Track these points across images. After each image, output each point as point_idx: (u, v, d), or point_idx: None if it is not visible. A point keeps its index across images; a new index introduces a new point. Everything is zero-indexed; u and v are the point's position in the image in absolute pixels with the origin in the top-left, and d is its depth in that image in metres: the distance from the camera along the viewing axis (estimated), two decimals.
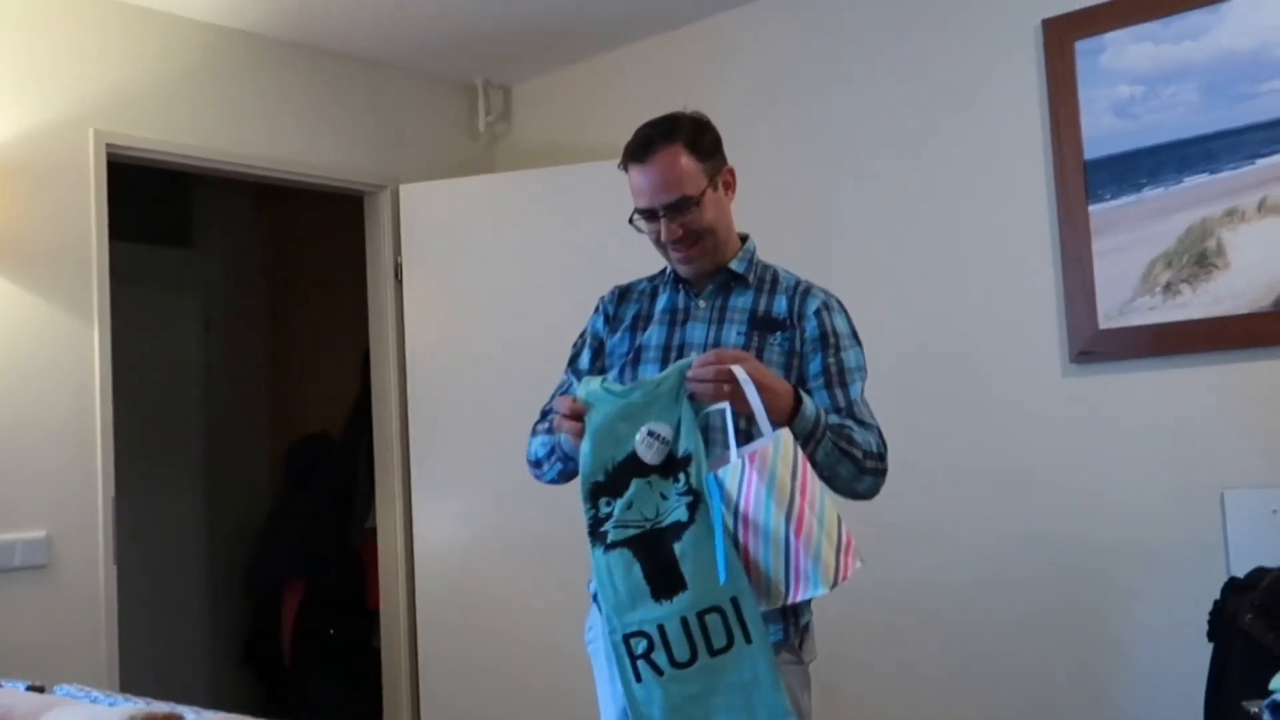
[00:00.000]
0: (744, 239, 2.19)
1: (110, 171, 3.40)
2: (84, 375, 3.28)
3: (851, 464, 1.97)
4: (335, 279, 4.91)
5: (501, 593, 3.82)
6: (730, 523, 1.78)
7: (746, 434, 1.89)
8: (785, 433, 1.80)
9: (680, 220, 2.03)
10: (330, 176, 3.97)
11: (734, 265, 2.13)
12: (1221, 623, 2.45)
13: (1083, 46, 3.04)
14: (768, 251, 2.23)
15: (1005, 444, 3.15)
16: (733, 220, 2.16)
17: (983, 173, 3.23)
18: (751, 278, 2.14)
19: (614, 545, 1.82)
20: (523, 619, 3.77)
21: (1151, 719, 2.86)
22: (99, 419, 3.29)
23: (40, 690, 2.17)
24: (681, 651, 1.77)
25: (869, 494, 2.05)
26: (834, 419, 1.97)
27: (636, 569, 1.80)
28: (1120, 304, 2.97)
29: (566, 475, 2.13)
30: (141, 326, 4.51)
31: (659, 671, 1.78)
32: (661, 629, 1.78)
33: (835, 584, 1.75)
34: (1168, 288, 2.91)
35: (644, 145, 2.04)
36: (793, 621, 2.03)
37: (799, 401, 1.90)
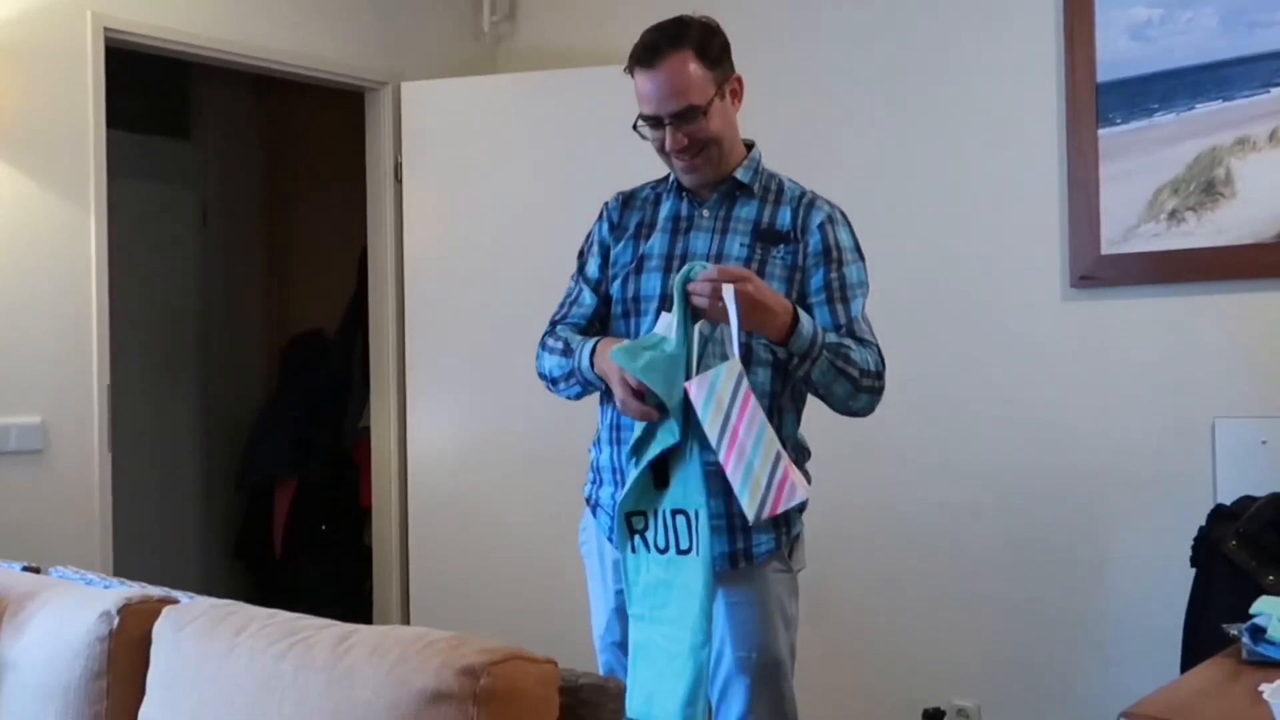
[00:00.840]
0: (749, 146, 2.16)
1: (108, 58, 3.34)
2: (80, 263, 3.26)
3: (848, 382, 1.98)
4: (334, 175, 4.87)
5: (493, 493, 3.85)
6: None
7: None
8: (732, 362, 1.88)
9: (685, 129, 2.00)
10: (331, 71, 3.91)
11: (739, 174, 2.10)
12: (1205, 549, 2.48)
13: None
14: (770, 167, 2.20)
15: (1001, 366, 3.15)
16: (738, 129, 2.13)
17: (993, 92, 3.19)
18: (756, 187, 2.12)
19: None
20: (514, 520, 3.81)
21: (1133, 641, 2.92)
22: (95, 307, 3.28)
23: (36, 571, 2.20)
24: (659, 539, 1.97)
25: (865, 411, 2.06)
26: (832, 338, 1.97)
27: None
28: (1124, 230, 2.95)
29: (584, 395, 2.17)
30: (139, 218, 4.48)
31: (647, 549, 1.99)
32: (655, 513, 1.98)
33: (760, 513, 1.86)
34: (1173, 215, 2.89)
35: (651, 50, 2.00)
36: (784, 530, 2.06)
37: (797, 320, 1.91)
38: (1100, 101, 2.98)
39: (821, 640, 3.04)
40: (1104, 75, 2.98)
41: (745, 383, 1.88)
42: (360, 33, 3.96)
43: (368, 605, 4.11)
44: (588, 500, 2.18)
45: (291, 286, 5.45)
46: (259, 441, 5.09)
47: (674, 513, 1.95)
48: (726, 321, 1.87)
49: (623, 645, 2.10)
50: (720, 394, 1.88)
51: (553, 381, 2.17)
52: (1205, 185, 2.84)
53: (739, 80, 2.09)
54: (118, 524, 3.36)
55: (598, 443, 2.17)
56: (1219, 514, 2.55)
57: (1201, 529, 2.55)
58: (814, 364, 1.94)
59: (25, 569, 2.20)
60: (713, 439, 1.88)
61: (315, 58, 3.84)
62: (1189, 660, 2.40)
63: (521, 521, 3.79)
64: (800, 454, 2.11)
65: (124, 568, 3.22)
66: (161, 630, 1.72)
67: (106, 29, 3.32)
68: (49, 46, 3.22)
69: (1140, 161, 2.93)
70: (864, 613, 3.35)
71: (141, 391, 4.55)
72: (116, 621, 1.75)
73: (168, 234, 5.06)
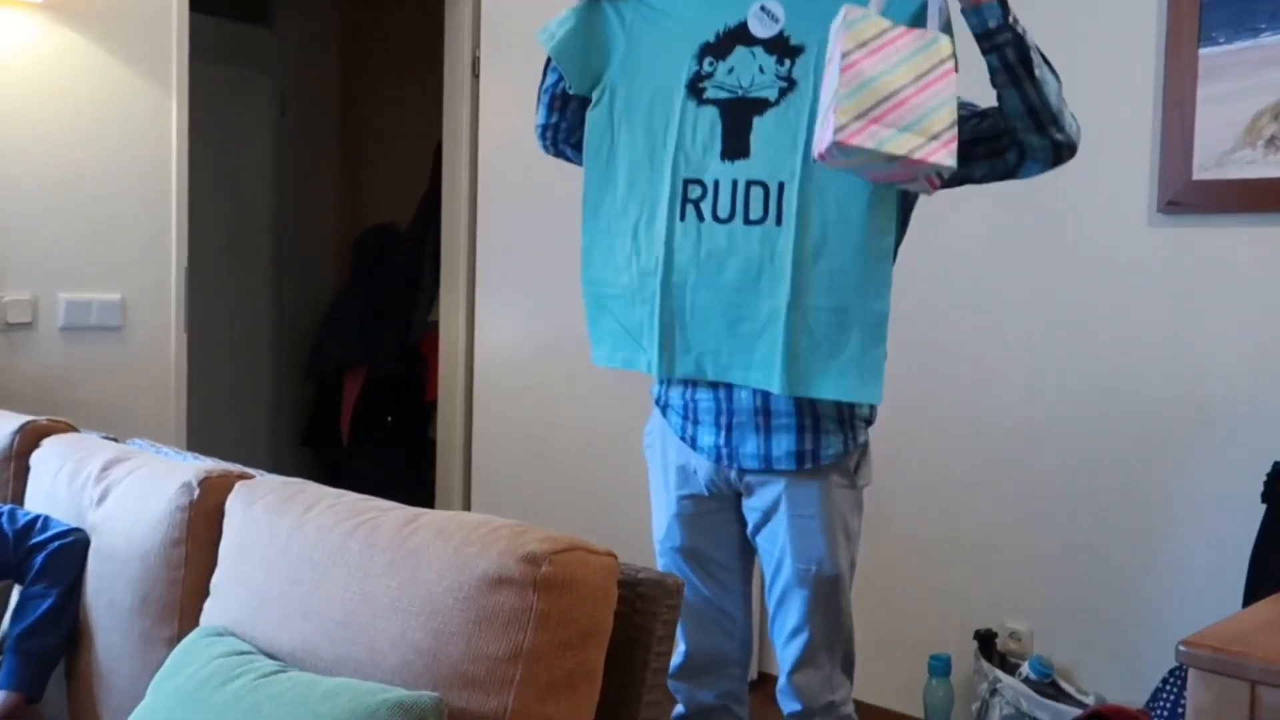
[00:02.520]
0: None
1: None
2: (162, 145, 3.30)
3: (1024, 94, 1.81)
4: (411, 68, 4.86)
5: (558, 394, 3.88)
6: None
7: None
8: (875, 17, 1.73)
9: None
10: None
11: None
12: (1278, 486, 2.44)
13: None
14: None
15: (1082, 289, 3.08)
16: None
17: (1091, 1, 3.08)
18: None
19: (706, 101, 1.94)
20: (578, 421, 3.84)
21: (1196, 575, 2.88)
22: (175, 188, 3.33)
23: (115, 441, 2.27)
24: (724, 208, 1.91)
25: (1042, 152, 1.88)
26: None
27: (719, 127, 1.92)
28: (1218, 155, 2.85)
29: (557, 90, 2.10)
30: (218, 103, 4.51)
31: (700, 217, 1.92)
32: (716, 184, 1.91)
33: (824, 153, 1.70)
34: (1271, 142, 2.79)
35: None
36: (850, 436, 2.01)
37: None
38: (1204, 18, 2.86)
39: (877, 555, 3.04)
40: None
41: (950, 57, 1.73)
42: None
43: (430, 498, 4.19)
44: (656, 401, 2.18)
45: (366, 178, 5.47)
46: (329, 331, 5.17)
47: (750, 184, 1.89)
48: None
49: (683, 550, 2.11)
50: (867, 28, 1.71)
51: (548, 106, 2.13)
52: None
53: None
54: (191, 403, 3.45)
55: None
56: None
57: (1276, 464, 2.50)
58: (1007, 45, 1.78)
59: (105, 438, 2.27)
60: (833, 56, 1.71)
61: None
62: (1252, 597, 2.38)
63: (585, 423, 3.81)
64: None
65: (196, 445, 3.31)
66: (234, 503, 1.76)
67: None
68: None
69: (1241, 84, 2.82)
70: (922, 532, 3.35)
71: (216, 276, 4.63)
72: (197, 493, 1.80)
73: (246, 120, 5.09)
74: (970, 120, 1.89)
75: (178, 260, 3.34)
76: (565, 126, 2.14)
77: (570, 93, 2.07)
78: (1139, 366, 3.00)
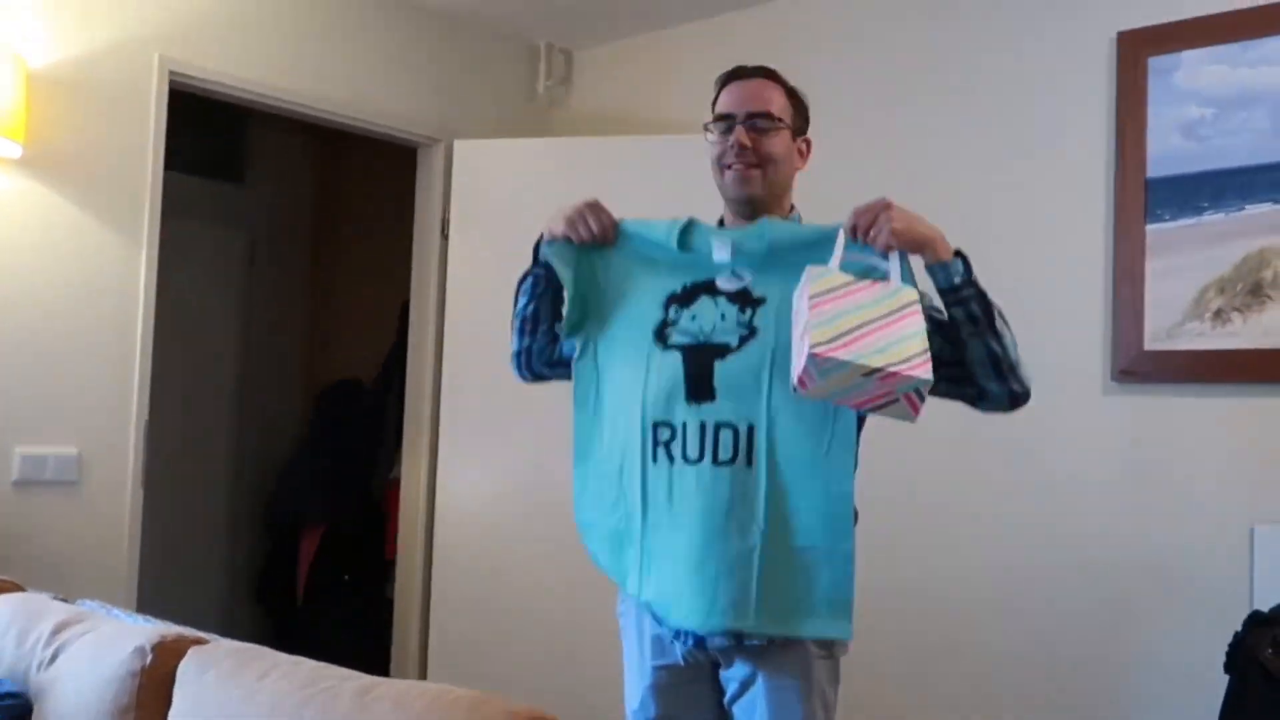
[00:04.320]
0: (791, 207, 2.15)
1: (170, 100, 3.42)
2: (127, 299, 3.31)
3: (996, 344, 1.91)
4: (381, 226, 4.94)
5: (521, 554, 3.83)
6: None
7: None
8: (839, 273, 1.85)
9: (755, 133, 2.03)
10: (386, 124, 3.98)
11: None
12: (1241, 656, 2.44)
13: (1156, 63, 3.00)
14: None
15: (1038, 457, 3.13)
16: (792, 184, 2.12)
17: (1043, 181, 3.20)
18: None
19: (671, 347, 2.00)
20: (541, 582, 3.79)
21: None
22: (139, 344, 3.32)
23: (65, 601, 2.21)
24: (693, 449, 1.94)
25: (999, 397, 1.95)
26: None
27: (681, 370, 1.97)
28: (1168, 326, 2.94)
29: (534, 311, 2.20)
30: (187, 256, 4.55)
31: (670, 459, 1.96)
32: (684, 425, 1.95)
33: (802, 375, 1.73)
34: (1218, 315, 2.88)
35: (743, 71, 2.10)
36: None
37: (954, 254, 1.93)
38: (1150, 197, 2.99)
39: None
40: (1154, 171, 2.99)
41: (915, 302, 1.80)
42: (417, 89, 4.04)
43: (386, 658, 4.09)
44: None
45: (332, 333, 5.50)
46: (288, 485, 5.11)
47: (719, 425, 1.93)
48: (896, 247, 1.86)
49: None
50: (833, 277, 1.83)
51: (520, 331, 2.23)
52: (1252, 286, 2.83)
53: (809, 143, 2.14)
54: (144, 558, 3.38)
55: None
56: (1256, 620, 2.51)
57: (1237, 635, 2.50)
58: (971, 299, 1.89)
59: (55, 599, 2.21)
60: (799, 302, 1.81)
61: (371, 110, 3.91)
62: None
63: (549, 584, 3.76)
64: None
65: (148, 604, 3.23)
66: (187, 670, 1.72)
67: (172, 72, 3.40)
68: (115, 86, 3.29)
69: (1187, 259, 2.93)
70: (891, 703, 3.30)
71: (176, 428, 4.59)
72: (150, 658, 1.76)
73: (214, 274, 5.13)
74: (934, 337, 1.91)
75: (138, 414, 3.32)
76: (536, 349, 2.22)
77: (562, 334, 2.13)
78: (1098, 535, 3.02)
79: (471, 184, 4.04)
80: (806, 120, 2.13)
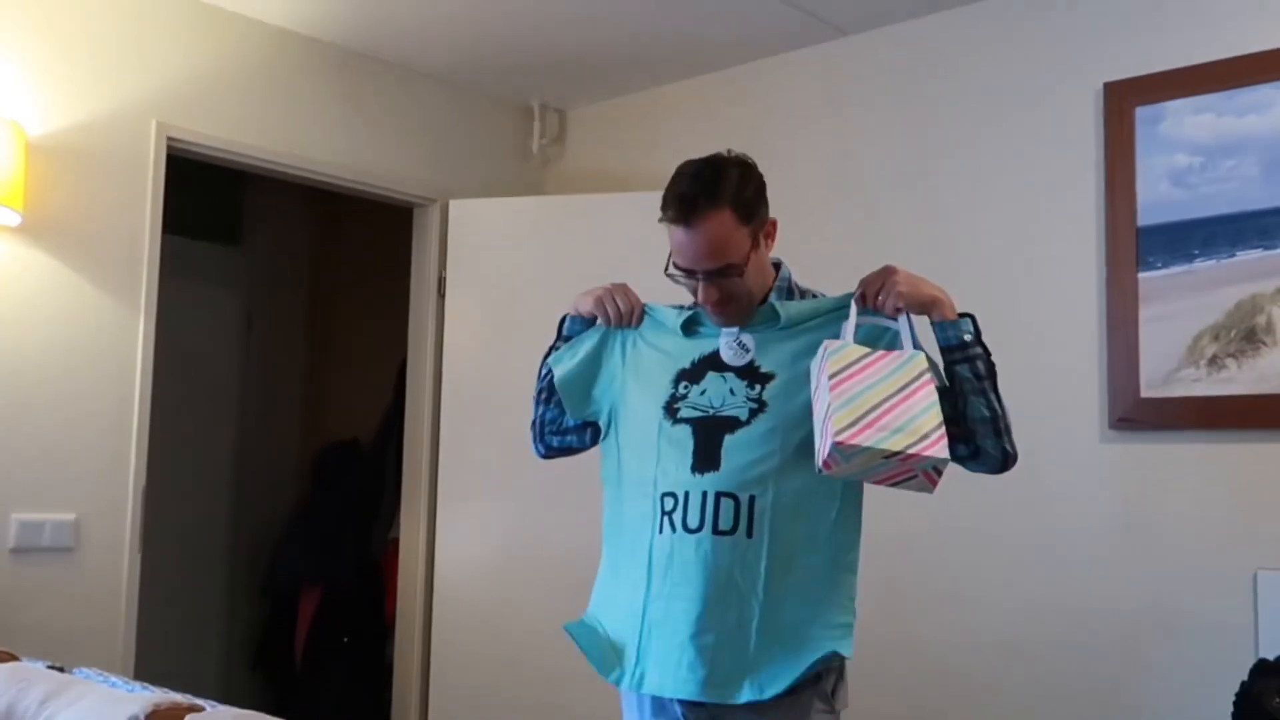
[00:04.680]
0: (778, 266, 2.15)
1: (167, 165, 3.45)
2: (126, 363, 3.31)
3: (997, 403, 1.96)
4: (378, 286, 4.95)
5: (522, 616, 3.80)
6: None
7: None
8: (853, 346, 1.91)
9: (720, 283, 2.00)
10: (382, 186, 4.01)
11: (771, 299, 2.10)
12: (1248, 705, 2.41)
13: (1143, 113, 3.03)
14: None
15: (1038, 505, 3.12)
16: (769, 262, 2.11)
17: (1034, 231, 3.22)
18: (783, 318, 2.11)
19: (680, 421, 2.02)
20: (542, 645, 3.73)
21: None
22: (137, 408, 3.32)
23: (60, 670, 2.19)
24: (694, 518, 1.95)
25: (994, 458, 1.98)
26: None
27: (690, 443, 1.99)
28: (1164, 374, 2.94)
29: (553, 396, 2.21)
30: (185, 319, 4.55)
31: (674, 529, 1.97)
32: (687, 495, 1.97)
33: (827, 459, 1.79)
34: (1213, 361, 2.88)
35: (688, 207, 1.94)
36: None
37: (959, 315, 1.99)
38: (1141, 245, 3.00)
39: None
40: (1145, 219, 3.01)
41: (870, 356, 1.88)
42: (412, 150, 4.07)
43: None
44: None
45: (329, 393, 5.49)
46: (286, 548, 5.08)
47: (720, 495, 1.94)
48: (905, 311, 1.95)
49: None
50: (849, 351, 1.89)
51: (537, 401, 2.26)
52: (1246, 332, 2.83)
53: (773, 224, 2.08)
54: (141, 623, 3.35)
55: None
56: (1262, 669, 2.49)
57: (1243, 684, 2.48)
58: (978, 358, 1.95)
59: (50, 667, 2.19)
60: (820, 380, 1.86)
61: (367, 172, 3.94)
62: None
63: (550, 646, 3.70)
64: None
65: (145, 666, 3.21)
66: None
67: (169, 138, 3.44)
68: (113, 153, 3.32)
69: (1180, 306, 2.94)
70: None
71: (174, 491, 4.57)
72: None
73: (211, 337, 5.14)
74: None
75: (135, 479, 3.31)
76: (548, 418, 2.25)
77: (572, 419, 2.20)
78: (1100, 585, 3.00)
79: (467, 243, 4.06)
80: (762, 198, 2.04)
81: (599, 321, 2.18)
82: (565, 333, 2.23)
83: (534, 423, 2.28)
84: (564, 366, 2.15)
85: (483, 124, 4.30)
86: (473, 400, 3.98)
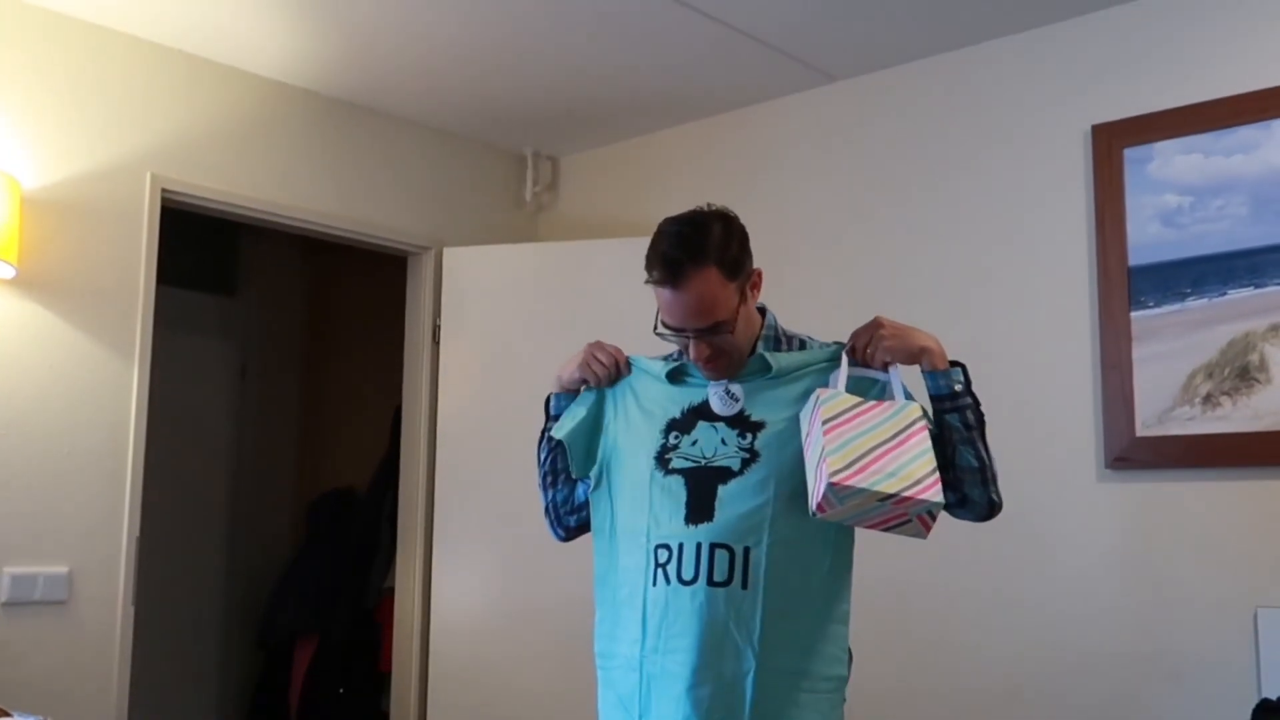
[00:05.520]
0: (762, 312, 2.14)
1: (162, 216, 3.46)
2: (120, 415, 3.31)
3: (984, 452, 1.97)
4: (372, 335, 4.95)
5: (518, 664, 3.78)
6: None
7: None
8: (845, 395, 1.92)
9: (711, 340, 2.00)
10: (377, 235, 4.02)
11: (760, 348, 2.09)
12: None
13: (1131, 154, 3.06)
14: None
15: (1036, 547, 3.11)
16: (754, 313, 2.11)
17: (1026, 274, 3.23)
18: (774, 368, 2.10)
19: (673, 471, 2.01)
20: (539, 694, 3.72)
21: None
22: (130, 459, 3.31)
23: None
24: (689, 570, 1.94)
25: (980, 506, 1.99)
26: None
27: (683, 494, 1.99)
28: (1159, 412, 2.95)
29: (559, 475, 2.20)
30: (179, 370, 4.55)
31: (668, 581, 1.96)
32: (681, 546, 1.96)
33: (821, 501, 1.79)
34: (1207, 399, 2.89)
35: (674, 269, 1.94)
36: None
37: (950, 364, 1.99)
38: (1132, 285, 3.02)
39: None
40: (1135, 259, 3.02)
41: (865, 403, 1.89)
42: (406, 199, 4.09)
43: None
44: None
45: (325, 442, 5.48)
46: (281, 599, 5.04)
47: (714, 547, 1.93)
48: (893, 364, 1.96)
49: None
50: (841, 400, 1.89)
51: (543, 486, 2.23)
52: (1239, 370, 2.84)
53: (759, 274, 2.08)
54: (135, 677, 3.32)
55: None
56: (1265, 708, 2.47)
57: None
58: (968, 407, 1.96)
59: None
60: (814, 427, 1.85)
61: (362, 221, 3.96)
62: None
63: (547, 692, 3.70)
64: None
65: None
66: None
67: (164, 190, 3.45)
68: (108, 205, 3.34)
69: (1173, 345, 2.95)
70: None
71: (168, 542, 4.54)
72: None
73: (206, 385, 5.13)
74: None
75: (129, 531, 3.29)
76: (560, 499, 2.24)
77: (574, 475, 2.18)
78: (1099, 625, 2.99)
79: (462, 290, 4.07)
80: (746, 251, 2.04)
81: (588, 386, 2.17)
82: (553, 411, 2.22)
83: (546, 510, 2.25)
84: (566, 427, 2.14)
85: (476, 172, 4.32)
86: (468, 448, 3.97)
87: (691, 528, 1.95)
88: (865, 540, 2.01)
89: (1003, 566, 3.15)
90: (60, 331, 3.21)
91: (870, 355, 1.99)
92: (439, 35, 3.41)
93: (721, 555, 1.93)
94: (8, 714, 2.20)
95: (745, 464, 1.97)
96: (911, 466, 1.80)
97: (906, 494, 1.76)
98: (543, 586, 3.74)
